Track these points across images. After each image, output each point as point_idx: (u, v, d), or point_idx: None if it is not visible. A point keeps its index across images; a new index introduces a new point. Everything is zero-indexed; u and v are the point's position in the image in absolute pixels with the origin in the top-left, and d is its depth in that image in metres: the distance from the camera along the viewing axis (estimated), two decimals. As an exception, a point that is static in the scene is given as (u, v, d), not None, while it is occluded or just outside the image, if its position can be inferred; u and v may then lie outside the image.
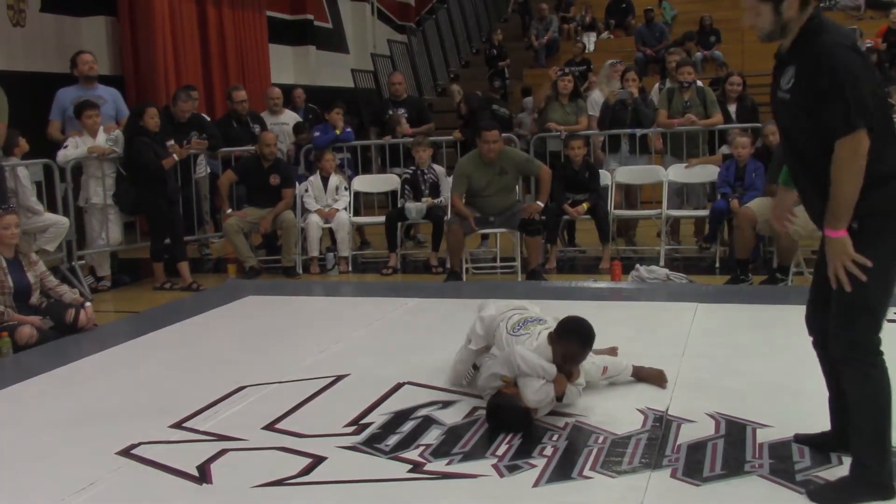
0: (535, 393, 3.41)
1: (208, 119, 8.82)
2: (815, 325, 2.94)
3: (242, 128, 8.69)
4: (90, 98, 7.44)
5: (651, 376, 3.96)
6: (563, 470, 3.08)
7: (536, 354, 3.46)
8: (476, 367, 3.87)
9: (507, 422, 3.44)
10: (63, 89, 7.63)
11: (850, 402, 2.73)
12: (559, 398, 3.52)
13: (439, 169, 8.06)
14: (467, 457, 3.24)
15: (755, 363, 4.29)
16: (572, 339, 3.49)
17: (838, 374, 2.80)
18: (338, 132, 8.49)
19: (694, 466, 3.07)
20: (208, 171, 8.58)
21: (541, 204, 7.08)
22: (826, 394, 3.07)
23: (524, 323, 3.66)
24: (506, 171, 7.04)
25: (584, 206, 7.48)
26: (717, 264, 7.31)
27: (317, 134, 8.57)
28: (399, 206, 7.87)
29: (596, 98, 8.85)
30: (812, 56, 2.65)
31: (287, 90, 10.15)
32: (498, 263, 7.58)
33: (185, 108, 8.03)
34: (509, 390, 3.49)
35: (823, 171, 2.63)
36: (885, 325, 2.74)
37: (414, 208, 7.67)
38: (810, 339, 3.02)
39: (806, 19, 2.70)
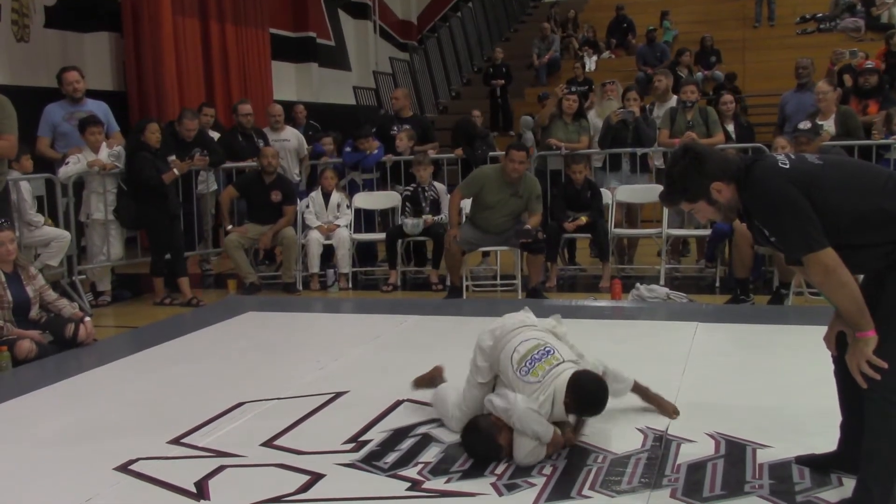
0: (526, 456, 3.25)
1: (213, 136, 8.81)
2: (840, 347, 2.87)
3: (247, 141, 8.71)
4: (84, 113, 7.39)
5: (659, 404, 3.80)
6: (562, 489, 3.07)
7: (537, 415, 3.22)
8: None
9: (477, 449, 3.36)
10: (51, 105, 7.55)
11: (867, 429, 2.70)
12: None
13: (440, 186, 8.06)
14: (466, 475, 3.23)
15: (755, 383, 4.28)
16: (582, 408, 3.30)
17: (859, 398, 2.74)
18: (370, 152, 8.49)
19: (694, 486, 3.06)
20: (215, 186, 8.60)
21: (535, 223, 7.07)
22: (829, 413, 3.07)
23: (531, 361, 3.31)
24: (520, 196, 7.00)
25: (583, 219, 7.47)
26: (718, 283, 7.32)
27: (347, 150, 8.61)
28: (399, 223, 7.88)
29: (591, 117, 8.84)
30: (754, 205, 2.77)
31: (289, 107, 10.18)
32: (498, 281, 7.58)
33: (191, 127, 8.02)
34: (497, 422, 3.33)
35: None
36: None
37: (410, 222, 7.67)
38: (831, 356, 2.97)
39: (734, 188, 2.79)
